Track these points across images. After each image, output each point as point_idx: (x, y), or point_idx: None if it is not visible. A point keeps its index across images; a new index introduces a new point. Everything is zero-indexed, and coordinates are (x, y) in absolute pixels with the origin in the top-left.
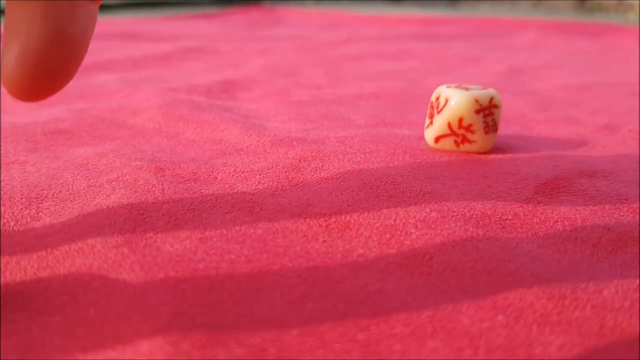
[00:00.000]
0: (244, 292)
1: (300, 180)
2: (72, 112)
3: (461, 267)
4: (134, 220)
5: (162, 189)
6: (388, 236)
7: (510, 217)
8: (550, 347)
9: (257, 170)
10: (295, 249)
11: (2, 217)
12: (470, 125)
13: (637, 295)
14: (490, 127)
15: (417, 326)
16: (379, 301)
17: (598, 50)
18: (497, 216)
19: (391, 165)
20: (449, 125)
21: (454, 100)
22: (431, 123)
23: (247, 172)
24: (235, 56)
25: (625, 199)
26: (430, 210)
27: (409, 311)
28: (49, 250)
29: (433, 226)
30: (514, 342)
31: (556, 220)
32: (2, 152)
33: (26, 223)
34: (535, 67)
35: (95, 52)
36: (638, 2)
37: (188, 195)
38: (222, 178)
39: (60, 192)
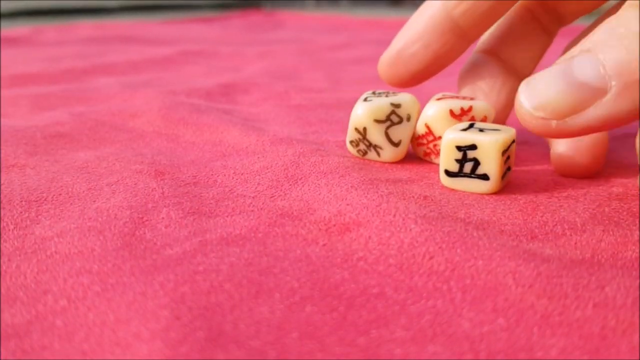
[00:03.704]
0: (243, 295)
1: (300, 177)
2: (72, 115)
3: (461, 266)
4: (133, 223)
5: (162, 192)
6: (388, 234)
7: (509, 222)
8: (552, 350)
9: (257, 170)
10: (295, 253)
11: (1, 220)
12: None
13: (639, 293)
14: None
15: (417, 330)
16: (379, 305)
17: None
18: (496, 220)
19: (390, 169)
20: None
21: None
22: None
23: (247, 173)
24: (234, 60)
25: (625, 202)
26: (430, 210)
27: (409, 315)
28: (48, 253)
29: (434, 223)
30: (515, 346)
31: (555, 224)
32: (2, 155)
33: (26, 226)
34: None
35: (94, 55)
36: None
37: (188, 199)
38: (222, 181)
39: (60, 195)
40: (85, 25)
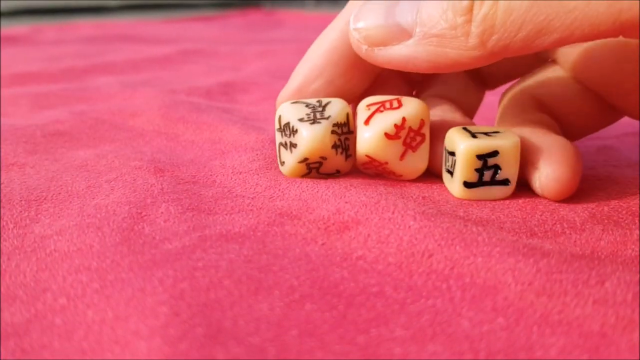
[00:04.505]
0: (243, 292)
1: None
2: (72, 114)
3: (460, 264)
4: (132, 218)
5: (161, 188)
6: (387, 232)
7: (509, 220)
8: (551, 349)
9: (255, 169)
10: (294, 251)
11: (1, 219)
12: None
13: (639, 288)
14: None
15: (417, 329)
16: (379, 304)
17: None
18: (495, 218)
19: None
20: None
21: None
22: None
23: (246, 172)
24: (234, 59)
25: (624, 201)
26: (429, 207)
27: (409, 314)
28: (47, 251)
29: (432, 219)
30: (515, 345)
31: (555, 222)
32: (1, 154)
33: (25, 225)
34: None
35: (94, 54)
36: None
37: (187, 196)
38: (221, 181)
39: (60, 193)
40: (85, 24)
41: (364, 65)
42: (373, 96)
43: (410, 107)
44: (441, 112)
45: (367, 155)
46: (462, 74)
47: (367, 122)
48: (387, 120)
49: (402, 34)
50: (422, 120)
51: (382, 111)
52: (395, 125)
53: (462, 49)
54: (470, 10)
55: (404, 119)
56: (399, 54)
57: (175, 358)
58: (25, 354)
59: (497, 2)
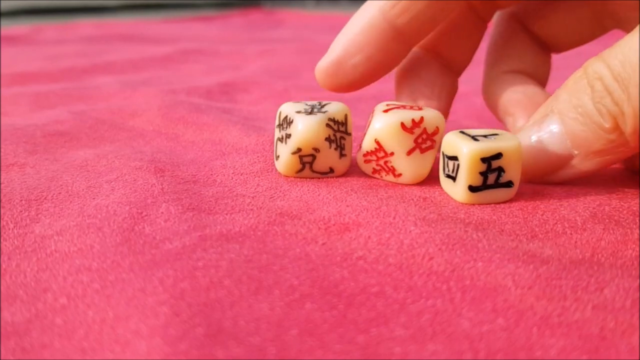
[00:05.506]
0: (243, 291)
1: (300, 179)
2: (72, 114)
3: (461, 267)
4: (133, 218)
5: (162, 188)
6: (387, 235)
7: (510, 220)
8: (551, 350)
9: (256, 171)
10: (295, 251)
11: (1, 219)
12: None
13: (638, 294)
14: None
15: (417, 329)
16: (379, 303)
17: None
18: (497, 219)
19: None
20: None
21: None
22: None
23: (247, 173)
24: (235, 58)
25: (625, 201)
26: (430, 212)
27: (409, 313)
28: (48, 251)
29: (433, 225)
30: (514, 345)
31: (556, 222)
32: (1, 154)
33: (25, 225)
34: None
35: (94, 54)
36: None
37: (187, 195)
38: (222, 180)
39: (60, 193)
40: (86, 24)
41: (402, 39)
42: (392, 101)
43: (430, 112)
44: (523, 89)
45: (376, 141)
46: (530, 43)
47: (386, 111)
48: (406, 114)
49: (563, 159)
50: (437, 127)
51: (403, 108)
52: (413, 120)
53: (626, 151)
54: (617, 127)
55: (422, 118)
56: (572, 173)
57: (176, 358)
58: (25, 354)
59: (637, 113)
